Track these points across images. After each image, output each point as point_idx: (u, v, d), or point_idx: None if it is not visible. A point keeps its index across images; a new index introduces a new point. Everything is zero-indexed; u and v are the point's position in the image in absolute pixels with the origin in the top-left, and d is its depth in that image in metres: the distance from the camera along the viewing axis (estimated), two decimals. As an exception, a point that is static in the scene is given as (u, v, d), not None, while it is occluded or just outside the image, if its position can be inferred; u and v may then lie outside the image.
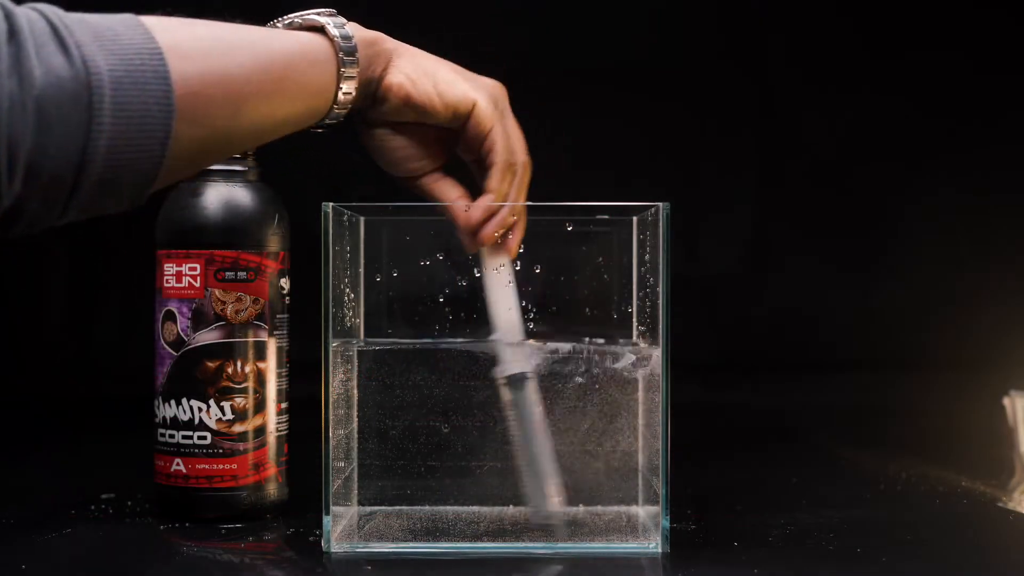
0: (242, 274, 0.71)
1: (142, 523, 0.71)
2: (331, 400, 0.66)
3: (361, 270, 0.72)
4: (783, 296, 1.36)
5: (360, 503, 0.71)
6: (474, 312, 0.71)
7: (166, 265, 0.72)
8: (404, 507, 0.70)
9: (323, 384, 0.66)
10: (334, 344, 0.66)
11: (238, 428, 0.71)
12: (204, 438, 0.71)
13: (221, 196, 0.72)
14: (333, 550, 0.65)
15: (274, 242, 0.72)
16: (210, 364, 0.71)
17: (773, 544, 0.66)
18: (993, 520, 0.74)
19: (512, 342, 0.68)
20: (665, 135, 1.36)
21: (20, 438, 1.06)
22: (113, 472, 0.86)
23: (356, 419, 0.70)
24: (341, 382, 0.68)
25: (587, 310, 0.72)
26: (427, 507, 0.70)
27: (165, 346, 0.71)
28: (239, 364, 0.71)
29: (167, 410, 0.71)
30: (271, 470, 0.72)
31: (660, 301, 0.65)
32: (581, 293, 0.72)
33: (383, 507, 0.70)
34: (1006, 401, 1.01)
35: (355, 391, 0.70)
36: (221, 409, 0.71)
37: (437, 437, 0.70)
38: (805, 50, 1.37)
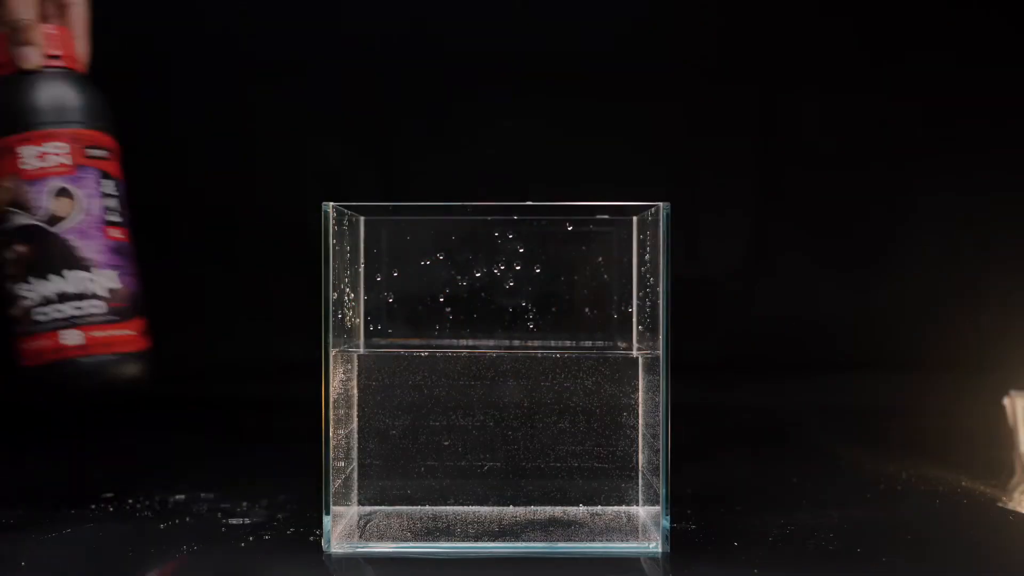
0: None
1: (142, 522, 0.71)
2: (331, 400, 0.66)
3: (361, 270, 0.72)
4: (783, 296, 1.36)
5: (360, 503, 0.71)
6: (474, 312, 0.71)
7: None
8: (404, 507, 0.71)
9: (323, 384, 0.66)
10: (334, 344, 0.66)
11: None
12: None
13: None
14: (333, 550, 0.65)
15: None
16: None
17: (773, 544, 0.66)
18: (993, 520, 0.74)
19: None
20: (665, 135, 1.36)
21: (20, 438, 1.06)
22: (113, 472, 0.86)
23: (356, 419, 0.70)
24: (341, 382, 0.68)
25: (587, 310, 0.72)
26: (427, 507, 0.70)
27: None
28: None
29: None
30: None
31: (660, 301, 0.65)
32: (581, 293, 0.72)
33: (383, 507, 0.71)
34: (1006, 401, 1.01)
35: (355, 391, 0.70)
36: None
37: (437, 437, 0.70)
38: (805, 50, 1.37)
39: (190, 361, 1.15)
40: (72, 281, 0.72)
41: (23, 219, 0.72)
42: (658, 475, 0.65)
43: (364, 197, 1.11)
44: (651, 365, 0.68)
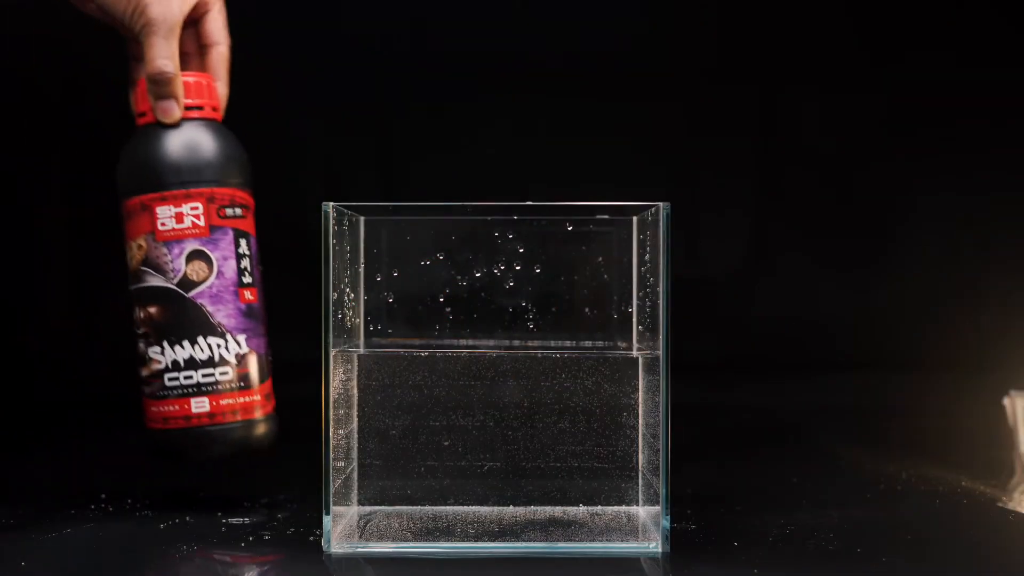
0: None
1: (142, 522, 0.71)
2: (331, 400, 0.66)
3: (361, 270, 0.72)
4: (783, 296, 1.36)
5: (360, 503, 0.71)
6: (474, 312, 0.71)
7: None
8: (404, 507, 0.71)
9: (323, 384, 0.66)
10: (334, 344, 0.66)
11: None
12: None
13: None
14: (333, 550, 0.65)
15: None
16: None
17: (773, 544, 0.66)
18: (993, 520, 0.74)
19: None
20: (665, 135, 1.36)
21: (20, 437, 1.06)
22: (113, 472, 0.86)
23: (356, 419, 0.70)
24: (341, 382, 0.68)
25: (587, 310, 0.72)
26: (427, 507, 0.70)
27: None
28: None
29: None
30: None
31: (660, 301, 0.65)
32: (581, 293, 0.72)
33: (383, 507, 0.71)
34: (1006, 401, 1.01)
35: (355, 391, 0.70)
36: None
37: (437, 437, 0.70)
38: (805, 50, 1.37)
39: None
40: (203, 348, 0.72)
41: (157, 280, 0.72)
42: (658, 475, 0.65)
43: (364, 197, 1.11)
44: (651, 365, 0.68)
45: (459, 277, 0.71)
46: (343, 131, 1.35)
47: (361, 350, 0.71)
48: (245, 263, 0.73)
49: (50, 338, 1.30)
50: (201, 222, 0.72)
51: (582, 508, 0.70)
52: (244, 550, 0.65)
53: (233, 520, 0.71)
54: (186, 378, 0.72)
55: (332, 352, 0.66)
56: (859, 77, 1.37)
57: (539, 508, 0.71)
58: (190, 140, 0.73)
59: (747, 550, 0.65)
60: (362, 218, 0.72)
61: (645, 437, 0.69)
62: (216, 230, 0.72)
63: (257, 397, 0.73)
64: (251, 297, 0.74)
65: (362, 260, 0.72)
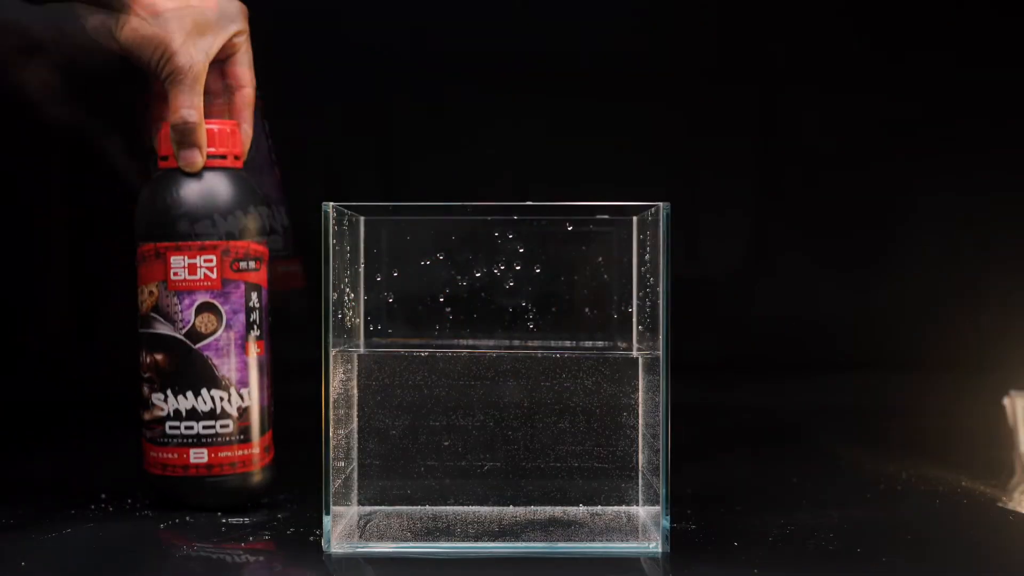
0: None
1: (142, 522, 0.71)
2: (331, 400, 0.66)
3: (361, 270, 0.72)
4: (783, 296, 1.36)
5: (360, 503, 0.71)
6: (474, 312, 0.71)
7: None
8: (404, 507, 0.71)
9: (323, 384, 0.66)
10: (334, 344, 0.66)
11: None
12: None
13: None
14: (333, 550, 0.65)
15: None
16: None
17: (773, 544, 0.66)
18: (993, 520, 0.74)
19: None
20: (665, 135, 1.36)
21: (20, 437, 1.06)
22: (113, 472, 0.86)
23: (356, 419, 0.70)
24: (341, 382, 0.68)
25: (587, 310, 0.72)
26: (427, 507, 0.70)
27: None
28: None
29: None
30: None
31: (660, 301, 0.65)
32: (581, 293, 0.72)
33: (383, 507, 0.71)
34: (1006, 401, 1.01)
35: (355, 391, 0.70)
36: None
37: (437, 437, 0.70)
38: (805, 50, 1.36)
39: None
40: (205, 400, 0.72)
41: (165, 328, 0.72)
42: (658, 475, 0.65)
43: (364, 197, 1.11)
44: (651, 365, 0.68)
45: (459, 277, 0.71)
46: (343, 131, 1.35)
47: (361, 350, 0.71)
48: (255, 316, 0.74)
49: (50, 338, 1.30)
50: (214, 275, 0.72)
51: (582, 508, 0.70)
52: (244, 550, 0.65)
53: (233, 520, 0.71)
54: (187, 428, 0.72)
55: (332, 352, 0.66)
56: (859, 77, 1.37)
57: (539, 508, 0.71)
58: (209, 191, 0.73)
59: (747, 550, 0.65)
60: (362, 218, 0.72)
61: (645, 437, 0.69)
62: (228, 283, 0.72)
63: (256, 450, 0.74)
64: (258, 350, 0.74)
65: (362, 260, 0.72)
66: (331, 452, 0.66)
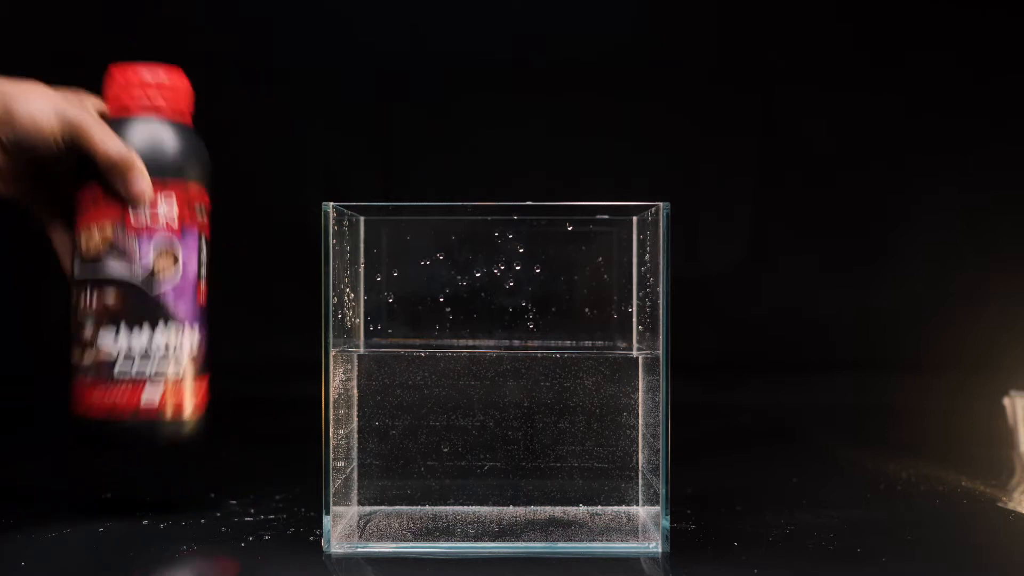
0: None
1: (142, 523, 0.71)
2: (331, 400, 0.66)
3: (361, 270, 0.72)
4: (783, 296, 1.36)
5: (360, 503, 0.71)
6: (474, 312, 0.71)
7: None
8: (404, 507, 0.71)
9: (323, 384, 0.66)
10: (334, 344, 0.66)
11: None
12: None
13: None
14: (333, 550, 0.65)
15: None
16: None
17: (773, 544, 0.66)
18: (993, 520, 0.74)
19: None
20: (665, 135, 1.36)
21: (20, 438, 1.06)
22: (113, 472, 0.86)
23: (356, 419, 0.70)
24: (341, 382, 0.68)
25: (587, 310, 0.72)
26: (427, 507, 0.70)
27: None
28: None
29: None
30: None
31: (660, 301, 0.65)
32: (581, 293, 0.72)
33: (383, 507, 0.71)
34: (1006, 401, 1.01)
35: (355, 391, 0.70)
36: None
37: (437, 437, 0.70)
38: (805, 51, 1.37)
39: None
40: (160, 338, 0.71)
41: (120, 269, 0.71)
42: (658, 475, 0.65)
43: (364, 197, 1.11)
44: (651, 365, 0.68)
45: (459, 277, 0.71)
46: (343, 131, 1.35)
47: (361, 350, 0.71)
48: (203, 258, 0.73)
49: (50, 338, 1.30)
50: (175, 219, 0.71)
51: (582, 508, 0.70)
52: (244, 550, 0.65)
53: (233, 520, 0.71)
54: (141, 365, 0.71)
55: (332, 352, 0.66)
56: (859, 77, 1.37)
57: (539, 508, 0.71)
58: (167, 138, 0.72)
59: (747, 550, 0.65)
60: (362, 218, 0.72)
61: (645, 437, 0.69)
62: (186, 230, 0.72)
63: (199, 393, 0.73)
64: (202, 298, 0.73)
65: (362, 260, 0.72)
66: (331, 452, 0.66)
